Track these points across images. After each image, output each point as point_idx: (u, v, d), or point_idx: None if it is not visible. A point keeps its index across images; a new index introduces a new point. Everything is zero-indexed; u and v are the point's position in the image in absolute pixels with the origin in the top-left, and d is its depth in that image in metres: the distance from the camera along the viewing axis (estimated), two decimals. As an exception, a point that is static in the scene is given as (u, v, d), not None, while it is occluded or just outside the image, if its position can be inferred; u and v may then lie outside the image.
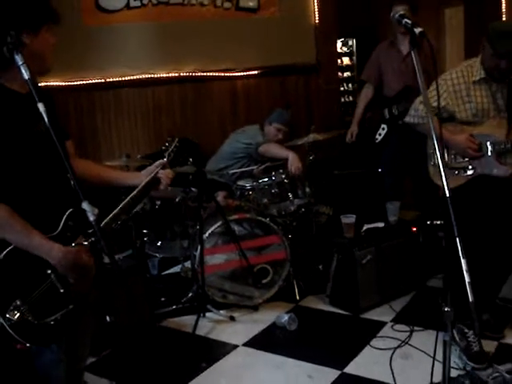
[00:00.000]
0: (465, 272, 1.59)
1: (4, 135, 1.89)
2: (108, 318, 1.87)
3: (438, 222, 2.12)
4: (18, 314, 1.83)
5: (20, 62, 1.78)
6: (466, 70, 3.30)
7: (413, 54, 1.95)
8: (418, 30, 1.91)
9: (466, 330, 3.18)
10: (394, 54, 4.76)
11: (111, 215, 2.17)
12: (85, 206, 1.73)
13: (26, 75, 1.77)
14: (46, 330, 1.91)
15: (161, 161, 2.45)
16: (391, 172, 4.89)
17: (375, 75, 4.93)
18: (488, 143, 3.21)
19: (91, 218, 1.73)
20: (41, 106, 1.75)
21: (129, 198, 2.26)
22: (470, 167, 3.27)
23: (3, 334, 1.83)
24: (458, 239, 1.64)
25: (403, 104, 4.62)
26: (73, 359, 2.16)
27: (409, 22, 1.96)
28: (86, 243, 2.00)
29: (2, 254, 1.86)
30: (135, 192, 2.28)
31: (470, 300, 1.56)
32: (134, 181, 2.37)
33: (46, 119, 1.76)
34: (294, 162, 4.33)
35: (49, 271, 1.92)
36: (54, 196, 2.01)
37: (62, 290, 1.94)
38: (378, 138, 4.82)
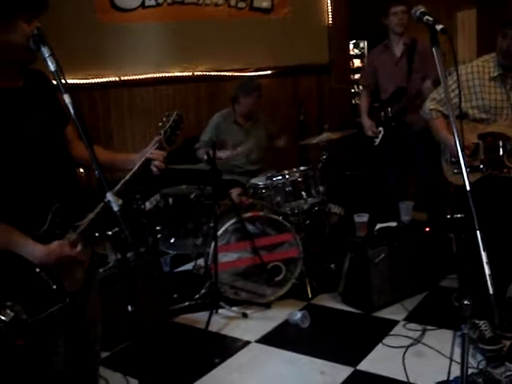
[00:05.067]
0: (485, 264, 1.60)
1: None
2: (130, 308, 1.88)
3: (459, 216, 2.12)
4: (12, 314, 1.81)
5: (47, 54, 1.79)
6: (482, 66, 3.31)
7: (434, 52, 1.94)
8: (439, 27, 1.92)
9: (477, 321, 3.20)
10: (387, 57, 4.78)
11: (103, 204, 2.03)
12: (109, 196, 1.74)
13: (52, 67, 1.78)
14: (44, 325, 1.90)
15: (155, 138, 2.21)
16: (393, 174, 4.92)
17: (371, 79, 4.96)
18: (500, 143, 3.22)
19: (115, 209, 1.73)
20: (67, 98, 1.76)
21: (122, 182, 2.08)
22: (482, 166, 3.28)
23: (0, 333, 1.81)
24: (478, 232, 1.65)
25: (396, 106, 4.65)
26: (77, 349, 2.16)
27: (430, 19, 1.97)
28: (69, 236, 1.96)
29: None
30: (128, 176, 2.11)
31: (491, 292, 1.58)
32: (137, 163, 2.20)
33: (72, 111, 1.76)
34: None
35: (37, 269, 1.89)
36: (41, 191, 1.96)
37: (54, 287, 1.92)
38: (377, 141, 4.83)
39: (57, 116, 2.08)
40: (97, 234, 2.00)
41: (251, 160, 4.80)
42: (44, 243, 1.90)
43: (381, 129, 4.79)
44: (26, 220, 1.91)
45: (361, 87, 9.17)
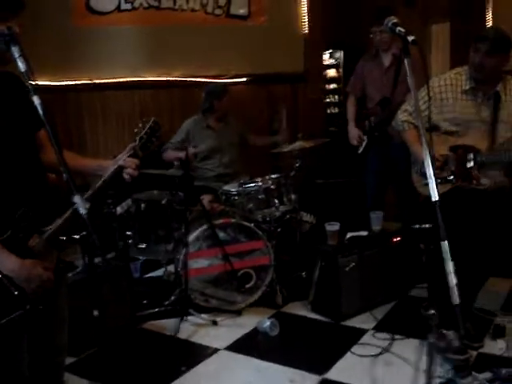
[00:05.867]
0: (451, 274, 1.61)
1: None
2: (95, 313, 1.86)
3: (427, 226, 2.14)
4: None
5: (17, 55, 1.77)
6: (455, 78, 3.35)
7: (406, 63, 1.96)
8: (410, 38, 1.94)
9: (445, 331, 3.22)
10: (376, 66, 4.81)
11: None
12: (76, 199, 1.72)
13: (22, 68, 1.76)
14: (5, 331, 1.87)
15: (130, 145, 2.16)
16: (373, 183, 4.94)
17: (359, 87, 4.98)
18: (470, 155, 3.26)
19: (82, 212, 1.72)
20: (36, 99, 1.74)
21: (93, 188, 2.05)
22: (452, 177, 3.32)
23: None
24: (444, 243, 1.66)
25: (379, 115, 4.68)
26: (42, 356, 2.13)
27: (402, 30, 1.99)
28: (33, 241, 1.94)
29: None
30: (99, 183, 2.07)
31: (457, 302, 1.59)
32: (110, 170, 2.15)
33: (41, 113, 1.74)
34: None
35: None
36: (6, 195, 1.93)
37: (16, 293, 1.88)
38: (360, 148, 4.86)
39: (26, 119, 2.05)
40: (64, 238, 1.97)
41: (223, 163, 4.81)
42: (8, 248, 1.87)
43: (365, 137, 4.81)
44: None
45: (340, 96, 9.31)
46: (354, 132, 4.88)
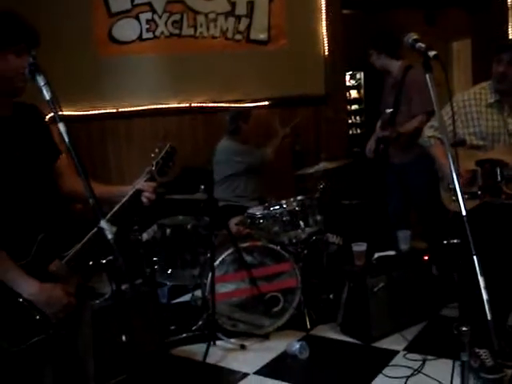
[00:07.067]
0: (483, 290, 1.58)
1: None
2: (124, 338, 1.86)
3: (455, 241, 2.11)
4: None
5: (42, 83, 1.80)
6: (479, 93, 3.32)
7: (428, 78, 1.95)
8: (432, 53, 1.93)
9: (478, 350, 3.16)
10: (389, 77, 4.77)
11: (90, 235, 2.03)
12: (103, 224, 1.73)
13: (47, 96, 1.79)
14: (27, 355, 1.88)
15: (146, 169, 2.21)
16: (394, 198, 4.87)
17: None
18: (498, 169, 3.22)
19: (109, 237, 1.72)
20: (61, 126, 1.77)
21: (112, 212, 2.07)
22: (480, 193, 3.27)
23: None
24: (475, 257, 1.64)
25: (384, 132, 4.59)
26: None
27: (422, 45, 1.99)
28: (55, 265, 1.96)
29: None
30: (117, 207, 2.09)
31: (489, 318, 1.56)
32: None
33: (66, 139, 1.76)
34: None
35: (20, 299, 1.88)
36: (25, 222, 1.97)
37: (37, 317, 1.90)
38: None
39: (45, 149, 2.10)
40: (91, 263, 1.99)
41: (250, 185, 4.92)
42: (28, 273, 1.89)
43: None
44: (10, 250, 1.90)
45: (362, 117, 9.26)
46: (369, 144, 4.77)
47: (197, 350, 3.89)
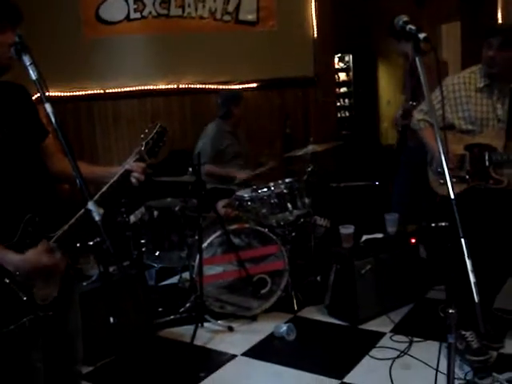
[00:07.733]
0: (470, 272, 1.59)
1: None
2: (112, 319, 1.85)
3: (443, 224, 2.11)
4: None
5: (28, 63, 1.77)
6: (469, 77, 3.31)
7: (417, 61, 1.95)
8: (422, 36, 1.92)
9: (464, 332, 3.19)
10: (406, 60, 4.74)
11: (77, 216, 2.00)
12: (90, 205, 1.71)
13: (33, 76, 1.76)
14: (15, 337, 1.87)
15: (135, 150, 2.16)
16: (402, 179, 4.84)
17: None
18: (486, 154, 3.22)
19: (96, 218, 1.71)
20: (48, 107, 1.74)
21: (100, 192, 2.03)
22: (468, 177, 3.28)
23: None
24: (463, 240, 1.64)
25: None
26: (58, 366, 2.12)
27: (413, 28, 1.97)
28: (47, 242, 1.93)
29: None
30: (106, 187, 2.05)
31: (476, 300, 1.56)
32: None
33: (53, 120, 1.74)
34: None
35: (7, 280, 1.86)
36: (12, 201, 1.94)
37: (24, 298, 1.88)
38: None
39: (32, 129, 2.07)
40: (78, 245, 1.97)
41: (241, 166, 4.89)
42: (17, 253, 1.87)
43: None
44: None
45: (350, 99, 9.22)
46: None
47: (185, 331, 3.90)
